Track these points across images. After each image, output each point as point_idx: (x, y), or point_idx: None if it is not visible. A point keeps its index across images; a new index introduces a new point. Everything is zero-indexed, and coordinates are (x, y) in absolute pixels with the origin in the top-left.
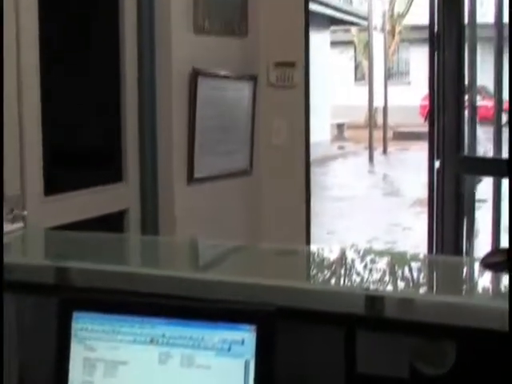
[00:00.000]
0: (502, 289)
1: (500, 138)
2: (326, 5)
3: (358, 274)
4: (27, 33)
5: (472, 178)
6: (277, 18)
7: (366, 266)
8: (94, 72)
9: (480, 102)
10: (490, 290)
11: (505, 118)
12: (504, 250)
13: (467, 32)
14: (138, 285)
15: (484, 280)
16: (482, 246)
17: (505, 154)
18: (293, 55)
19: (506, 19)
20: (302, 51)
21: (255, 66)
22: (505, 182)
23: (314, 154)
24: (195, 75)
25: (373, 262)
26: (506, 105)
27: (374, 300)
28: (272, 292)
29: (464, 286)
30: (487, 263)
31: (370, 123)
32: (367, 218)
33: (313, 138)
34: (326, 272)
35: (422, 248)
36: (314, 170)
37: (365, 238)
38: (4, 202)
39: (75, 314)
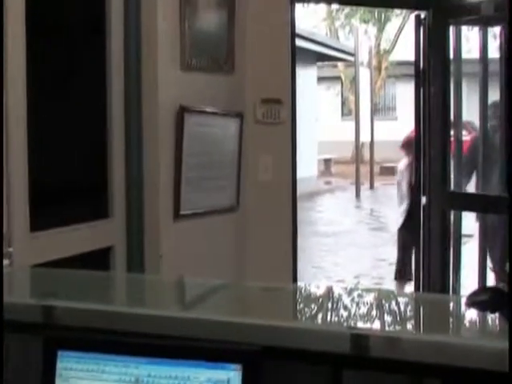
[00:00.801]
0: (489, 327)
1: (486, 173)
2: (313, 41)
3: (345, 312)
4: (14, 71)
5: (458, 213)
6: (263, 54)
7: (352, 305)
8: (81, 109)
9: (466, 136)
10: (477, 329)
11: None
12: (489, 289)
13: (452, 67)
14: (123, 324)
15: (470, 319)
16: (468, 280)
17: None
18: (279, 92)
19: (490, 55)
20: (289, 88)
21: (242, 102)
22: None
23: (301, 189)
24: (182, 112)
25: (359, 299)
26: None
27: (360, 339)
28: (258, 331)
29: (450, 325)
30: (473, 302)
31: (357, 158)
32: (354, 253)
33: (300, 174)
34: (311, 310)
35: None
36: (300, 206)
37: (351, 273)
38: None
39: (60, 353)
